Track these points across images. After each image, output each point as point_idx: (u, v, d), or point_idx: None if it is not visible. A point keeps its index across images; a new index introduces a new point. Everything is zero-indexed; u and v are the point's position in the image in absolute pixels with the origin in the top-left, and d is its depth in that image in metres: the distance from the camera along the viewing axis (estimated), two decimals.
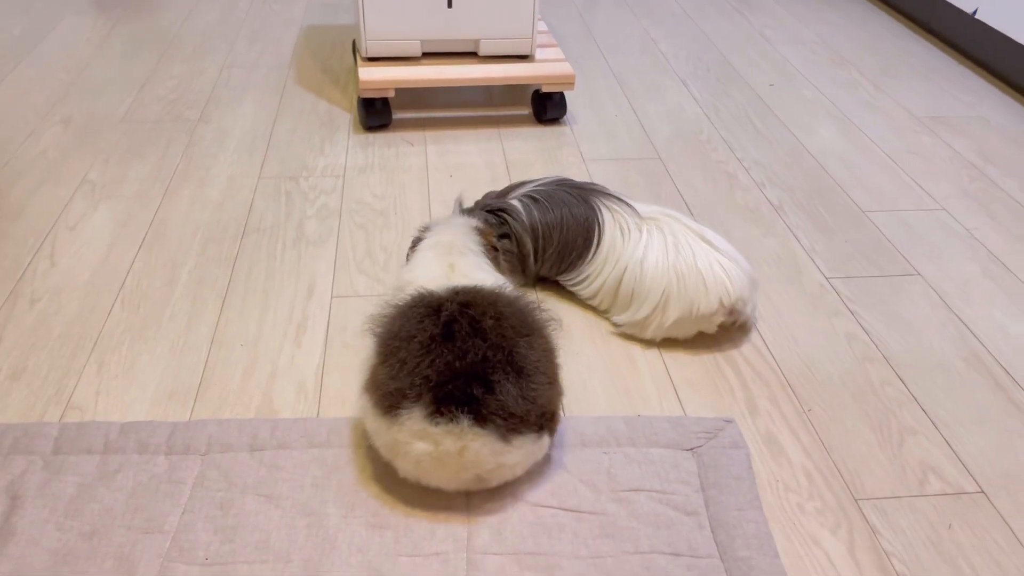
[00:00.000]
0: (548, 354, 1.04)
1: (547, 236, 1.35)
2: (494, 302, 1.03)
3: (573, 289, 1.38)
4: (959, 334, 1.34)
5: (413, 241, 1.29)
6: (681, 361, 1.28)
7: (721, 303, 1.25)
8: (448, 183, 1.74)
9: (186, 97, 2.08)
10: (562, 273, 1.38)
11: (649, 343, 1.31)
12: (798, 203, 1.70)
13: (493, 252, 1.25)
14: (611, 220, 1.33)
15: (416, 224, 1.60)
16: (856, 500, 1.06)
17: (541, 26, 2.14)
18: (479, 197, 1.45)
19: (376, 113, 1.91)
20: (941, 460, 1.12)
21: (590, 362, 1.28)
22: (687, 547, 0.97)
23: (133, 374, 1.23)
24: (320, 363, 1.26)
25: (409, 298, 1.05)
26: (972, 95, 2.17)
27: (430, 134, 1.93)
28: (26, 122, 1.93)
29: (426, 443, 0.96)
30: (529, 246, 1.35)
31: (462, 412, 0.94)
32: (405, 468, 1.01)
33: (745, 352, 1.30)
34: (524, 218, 1.35)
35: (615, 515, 1.01)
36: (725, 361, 1.28)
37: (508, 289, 1.09)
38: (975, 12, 2.27)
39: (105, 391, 1.20)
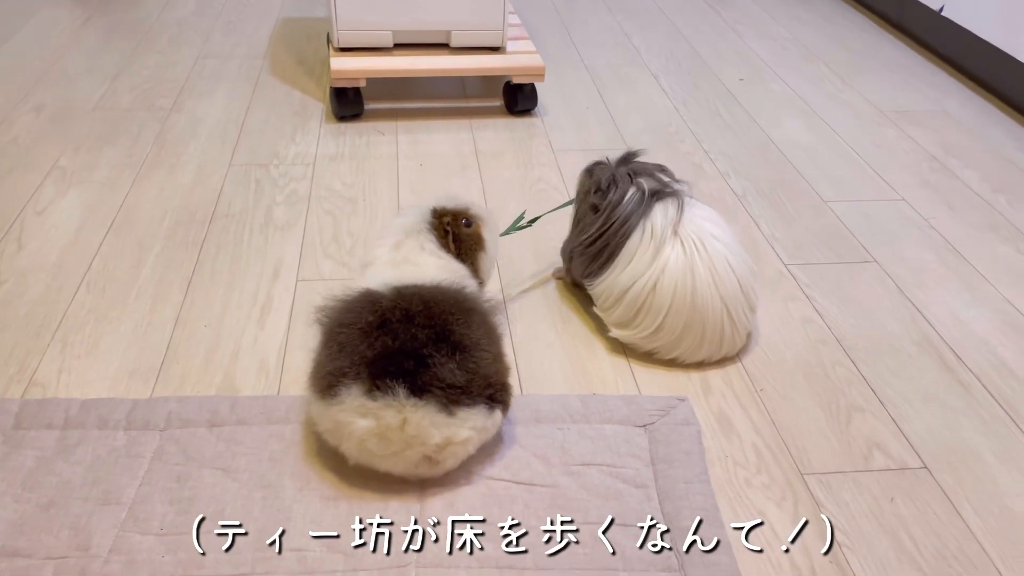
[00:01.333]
0: (489, 333, 1.05)
1: (598, 243, 1.27)
2: (430, 294, 1.04)
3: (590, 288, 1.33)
4: (911, 318, 1.37)
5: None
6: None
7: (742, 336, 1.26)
8: (417, 172, 1.76)
9: (160, 87, 2.09)
10: (584, 277, 1.32)
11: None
12: (761, 192, 1.72)
13: (443, 232, 1.20)
14: (646, 232, 1.23)
15: (383, 210, 1.62)
16: (802, 475, 1.08)
17: (513, 19, 2.16)
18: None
19: (348, 103, 1.93)
20: (887, 437, 1.14)
21: (549, 343, 1.30)
22: (635, 518, 0.99)
23: (96, 353, 1.24)
24: (283, 343, 1.28)
25: (352, 293, 1.07)
26: (937, 90, 2.21)
27: (402, 124, 1.95)
28: None
29: (367, 419, 0.96)
30: (593, 233, 1.28)
31: (398, 384, 0.95)
32: (351, 451, 1.00)
33: None
34: (615, 209, 1.26)
35: (566, 487, 1.03)
36: None
37: (449, 282, 1.09)
38: (941, 9, 2.31)
39: (68, 369, 1.21)
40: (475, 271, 1.21)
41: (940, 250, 1.55)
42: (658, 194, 1.26)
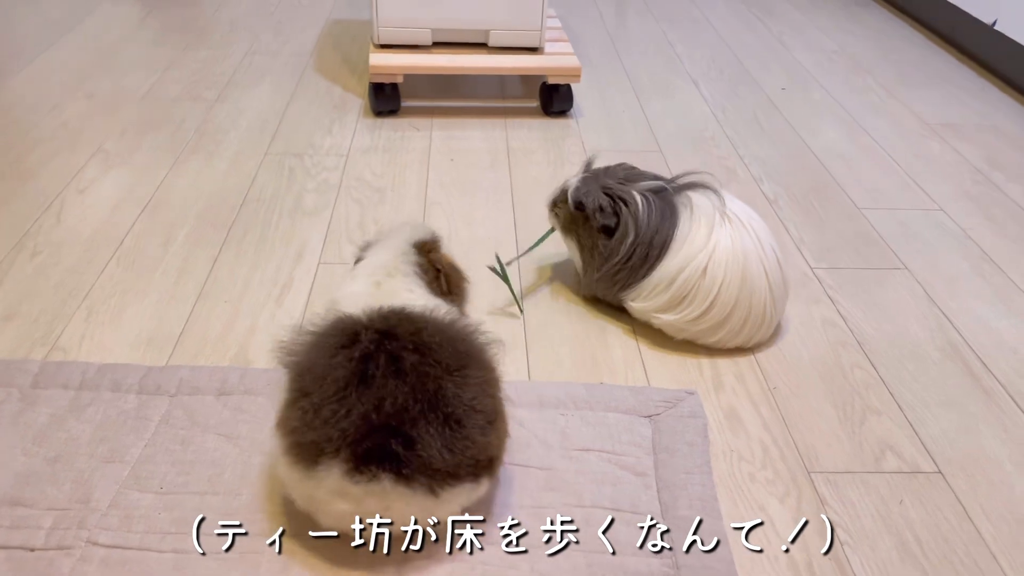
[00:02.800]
0: (485, 388, 0.90)
1: (637, 253, 1.24)
2: (419, 330, 0.89)
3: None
4: (938, 325, 1.33)
5: (355, 260, 1.13)
6: (652, 337, 1.29)
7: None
8: (447, 166, 1.78)
9: (207, 79, 2.15)
10: (617, 292, 1.29)
11: (623, 318, 1.32)
12: (793, 197, 1.70)
13: (435, 272, 1.07)
14: (686, 230, 1.22)
15: (410, 200, 1.63)
16: (809, 472, 1.06)
17: (553, 22, 2.18)
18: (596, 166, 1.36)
19: (385, 98, 1.95)
20: (901, 440, 1.11)
21: (561, 332, 1.29)
22: (629, 504, 0.98)
23: (119, 322, 1.28)
24: (300, 321, 1.29)
25: (326, 323, 0.92)
26: (986, 104, 2.15)
27: (438, 120, 1.97)
28: (53, 96, 2.01)
29: (347, 503, 0.86)
30: (623, 252, 1.24)
31: (383, 470, 0.84)
32: (327, 524, 0.90)
33: None
34: (640, 218, 1.23)
35: (563, 470, 1.02)
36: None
37: (438, 312, 0.95)
38: (994, 23, 2.26)
39: (90, 336, 1.25)
40: (461, 307, 1.09)
41: (976, 260, 1.51)
42: (671, 191, 1.26)
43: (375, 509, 0.85)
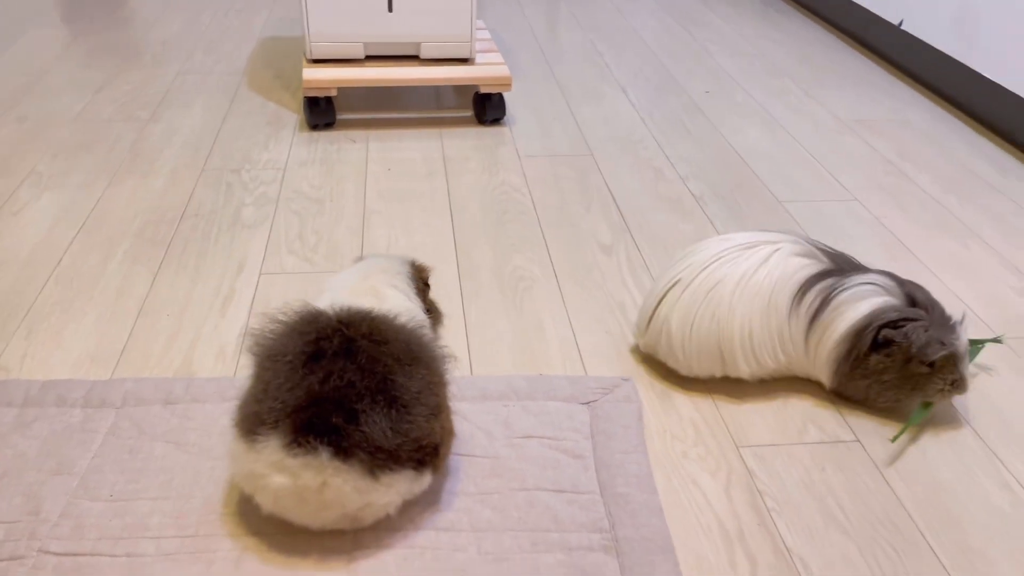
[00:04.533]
0: (431, 387, 0.93)
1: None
2: (378, 326, 0.94)
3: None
4: None
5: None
6: (588, 329, 1.34)
7: None
8: (385, 175, 1.81)
9: (139, 100, 2.15)
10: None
11: (559, 312, 1.37)
12: (718, 195, 1.77)
13: (423, 284, 1.18)
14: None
15: (348, 211, 1.67)
16: (738, 447, 1.12)
17: (483, 33, 2.23)
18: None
19: (320, 112, 1.98)
20: (822, 415, 1.18)
21: (500, 330, 1.34)
22: (570, 485, 1.03)
23: (60, 340, 1.28)
24: (242, 330, 1.31)
25: (292, 315, 0.97)
26: (897, 101, 2.27)
27: (373, 132, 2.01)
28: None
29: (284, 476, 0.87)
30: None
31: (322, 443, 0.86)
32: (265, 503, 0.92)
33: None
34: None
35: (506, 458, 1.07)
36: (631, 330, 1.34)
37: (402, 317, 0.98)
38: (901, 23, 2.38)
39: (31, 355, 1.25)
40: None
41: (889, 246, 1.60)
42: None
43: (312, 485, 0.86)
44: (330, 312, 0.96)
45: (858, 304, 1.15)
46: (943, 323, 1.16)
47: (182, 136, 1.96)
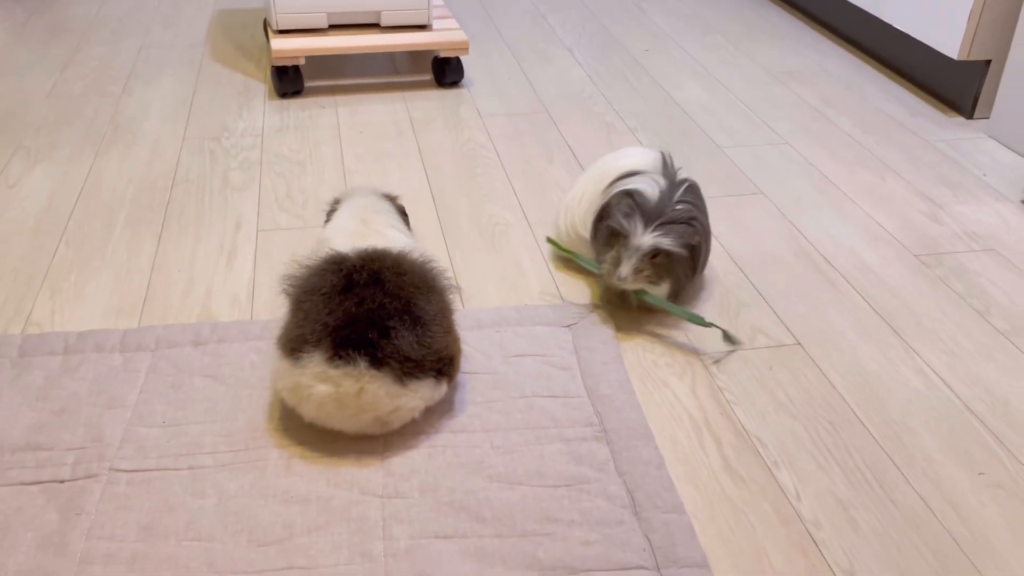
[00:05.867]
0: (445, 311, 1.11)
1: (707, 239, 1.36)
2: (398, 260, 1.10)
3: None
4: (791, 235, 1.61)
5: (327, 213, 1.38)
6: (561, 263, 1.51)
7: None
8: (358, 138, 1.94)
9: (108, 75, 2.22)
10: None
11: (534, 251, 1.54)
12: (665, 143, 1.95)
13: (403, 214, 1.35)
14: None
15: (329, 171, 1.80)
16: (700, 355, 1.31)
17: (438, 0, 2.36)
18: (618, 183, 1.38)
19: (289, 80, 2.09)
20: (768, 323, 1.38)
21: (485, 271, 1.50)
22: (562, 391, 1.20)
23: (83, 297, 1.40)
24: (250, 280, 1.45)
25: (318, 259, 1.12)
26: (819, 53, 2.48)
27: (340, 98, 2.13)
28: None
29: (327, 385, 1.02)
30: (706, 248, 1.36)
31: (359, 355, 1.01)
32: (308, 412, 1.06)
33: None
34: (703, 225, 1.33)
35: (504, 373, 1.23)
36: None
37: (415, 252, 1.15)
38: None
39: (59, 311, 1.37)
40: None
41: (817, 182, 1.81)
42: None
43: (351, 391, 1.02)
44: (353, 254, 1.11)
45: (629, 182, 1.36)
46: (671, 224, 1.28)
47: (157, 108, 2.05)
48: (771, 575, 0.97)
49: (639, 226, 1.27)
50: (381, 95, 2.15)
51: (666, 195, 1.31)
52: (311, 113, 2.05)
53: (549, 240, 1.48)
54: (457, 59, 2.17)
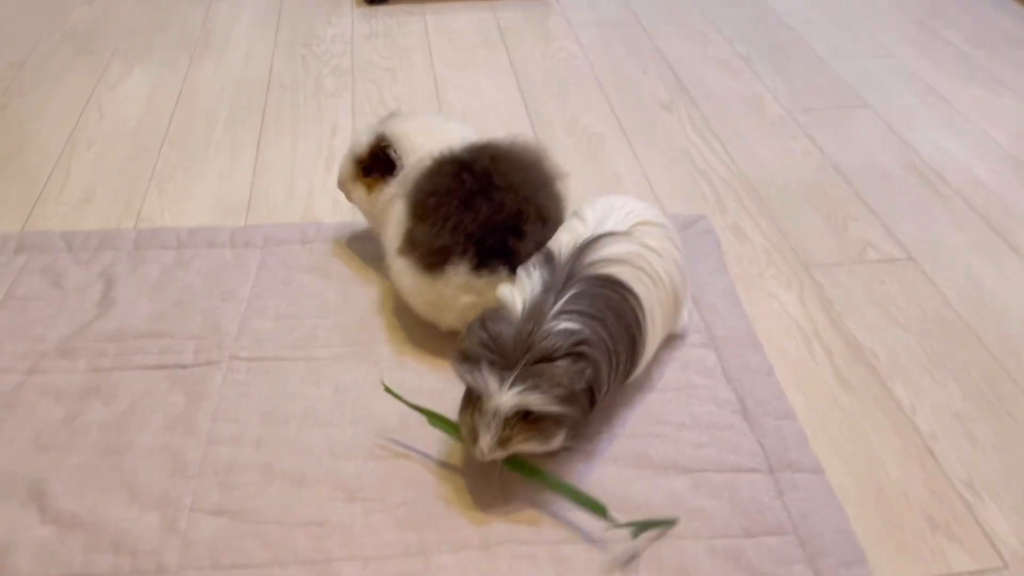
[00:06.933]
0: (561, 202, 1.11)
1: (615, 351, 0.94)
2: (517, 155, 1.08)
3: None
4: (899, 149, 1.56)
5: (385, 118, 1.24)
6: (659, 177, 1.48)
7: None
8: (447, 46, 1.92)
9: None
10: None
11: (631, 162, 1.51)
12: (763, 55, 1.89)
13: None
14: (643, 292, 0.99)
15: (420, 78, 1.78)
16: (806, 267, 1.28)
17: None
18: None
19: None
20: (878, 237, 1.34)
21: (583, 180, 1.48)
22: None
23: (190, 196, 1.42)
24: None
25: (431, 162, 1.09)
26: None
27: (428, 6, 2.09)
28: (53, 1, 2.07)
29: (471, 295, 1.03)
30: (605, 376, 0.93)
31: (501, 263, 1.02)
32: (448, 322, 1.07)
33: (716, 168, 1.50)
34: (599, 346, 0.92)
35: None
36: (699, 175, 1.49)
37: (519, 142, 1.12)
38: None
39: (168, 208, 1.39)
40: None
41: (925, 95, 1.73)
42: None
43: (493, 299, 1.01)
44: (470, 151, 1.08)
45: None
46: (541, 365, 0.88)
47: (247, 15, 2.04)
48: (887, 484, 0.96)
49: (491, 378, 0.87)
50: (468, 4, 2.11)
51: (537, 308, 0.91)
52: (399, 20, 2.02)
53: (387, 390, 1.01)
54: None
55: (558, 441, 0.91)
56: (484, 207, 1.03)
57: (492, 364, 0.87)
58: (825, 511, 0.92)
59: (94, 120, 1.62)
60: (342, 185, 1.24)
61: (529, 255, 1.00)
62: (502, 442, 0.88)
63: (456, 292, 1.03)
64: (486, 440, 0.87)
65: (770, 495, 0.93)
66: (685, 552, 0.88)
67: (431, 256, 1.04)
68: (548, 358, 0.88)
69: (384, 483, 0.93)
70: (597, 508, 0.88)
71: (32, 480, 0.93)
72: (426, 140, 1.14)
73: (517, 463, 0.92)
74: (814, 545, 0.88)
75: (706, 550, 0.88)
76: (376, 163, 1.16)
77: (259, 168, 1.49)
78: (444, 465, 0.96)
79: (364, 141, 1.19)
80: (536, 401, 0.86)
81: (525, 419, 0.87)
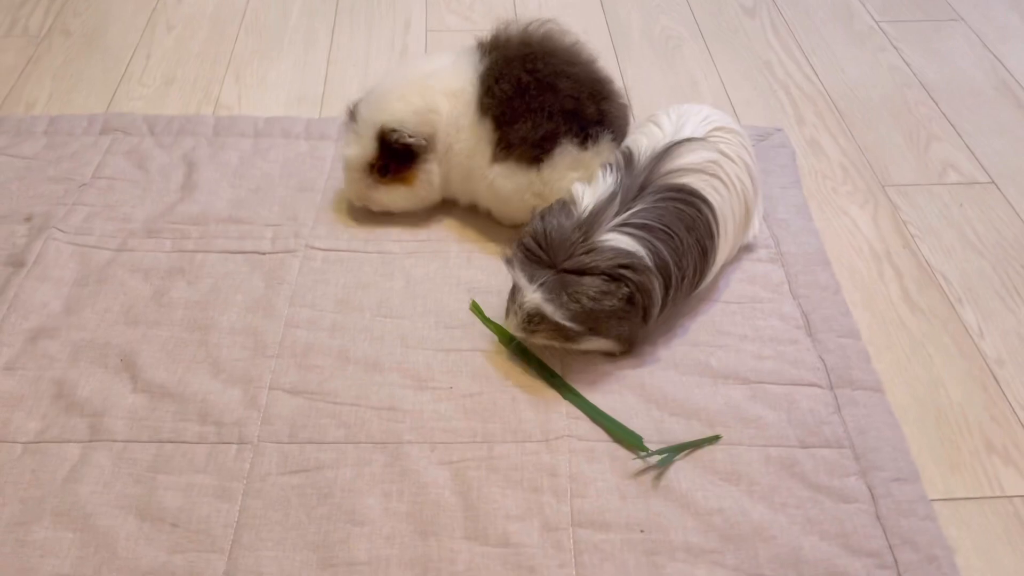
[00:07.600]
0: (601, 74, 1.15)
1: (679, 267, 0.95)
2: (538, 41, 1.11)
3: None
4: (991, 67, 1.49)
5: None
6: (737, 85, 1.45)
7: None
8: None
9: None
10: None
11: (709, 67, 1.48)
12: None
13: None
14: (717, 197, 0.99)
15: None
16: (883, 186, 1.26)
17: None
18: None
19: None
20: (960, 159, 1.30)
21: (658, 86, 1.45)
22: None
23: (266, 84, 1.44)
24: None
25: (499, 59, 1.09)
26: None
27: None
28: None
29: (578, 171, 1.06)
30: (659, 296, 0.94)
31: (602, 129, 1.07)
32: (552, 198, 1.04)
33: (796, 79, 1.46)
34: (651, 263, 0.93)
35: None
36: (778, 85, 1.45)
37: (553, 30, 1.14)
38: None
39: (245, 95, 1.41)
40: None
41: (1023, 12, 1.64)
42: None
43: (594, 167, 1.04)
44: (502, 59, 1.09)
45: None
46: (572, 276, 0.91)
47: None
48: (947, 405, 0.97)
49: (522, 275, 0.92)
50: None
51: (597, 215, 0.93)
52: None
53: (474, 307, 1.02)
54: None
55: (589, 344, 0.96)
56: (563, 84, 1.06)
57: (529, 261, 0.93)
58: (882, 428, 0.93)
59: (172, 4, 1.63)
60: (362, 198, 1.14)
61: (617, 118, 1.09)
62: (528, 330, 0.94)
63: (564, 172, 1.06)
64: (512, 323, 0.95)
65: (828, 409, 0.95)
66: (739, 457, 0.90)
67: (535, 148, 1.06)
68: (582, 271, 0.90)
69: (453, 374, 0.97)
70: (634, 440, 0.90)
71: (124, 351, 0.99)
72: (428, 93, 1.11)
73: (563, 386, 0.96)
74: (869, 460, 0.90)
75: (760, 456, 0.90)
76: (392, 158, 1.10)
77: (333, 59, 1.50)
78: (511, 361, 0.99)
79: (363, 142, 1.11)
80: (550, 310, 0.90)
81: (545, 320, 0.92)
